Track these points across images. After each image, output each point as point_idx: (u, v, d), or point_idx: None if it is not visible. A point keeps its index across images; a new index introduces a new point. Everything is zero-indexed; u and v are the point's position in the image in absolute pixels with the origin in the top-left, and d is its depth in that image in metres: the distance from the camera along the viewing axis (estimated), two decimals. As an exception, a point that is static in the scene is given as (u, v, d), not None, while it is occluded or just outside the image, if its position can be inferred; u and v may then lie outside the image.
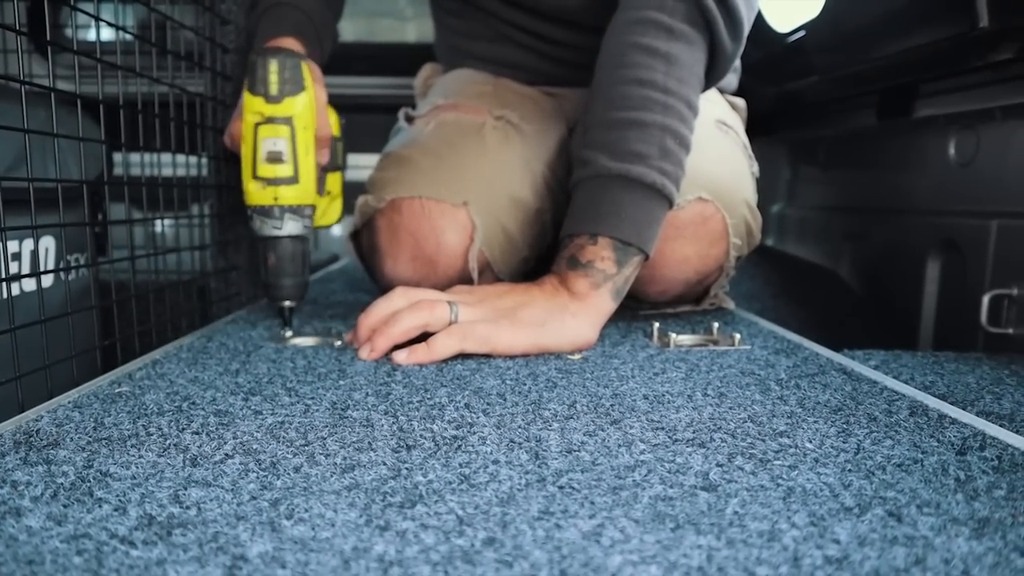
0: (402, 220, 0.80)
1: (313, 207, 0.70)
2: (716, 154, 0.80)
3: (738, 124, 0.93)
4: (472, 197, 0.79)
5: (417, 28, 1.92)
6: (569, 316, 0.63)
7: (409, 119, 0.94)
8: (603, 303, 0.64)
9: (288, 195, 0.67)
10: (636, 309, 0.85)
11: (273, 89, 0.65)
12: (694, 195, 0.74)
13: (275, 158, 0.66)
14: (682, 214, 0.74)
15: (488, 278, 0.84)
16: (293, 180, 0.67)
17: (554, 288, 0.65)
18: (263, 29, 0.76)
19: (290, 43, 0.74)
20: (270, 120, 0.65)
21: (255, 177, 0.66)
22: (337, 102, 0.76)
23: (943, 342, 0.91)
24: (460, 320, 0.61)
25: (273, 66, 0.65)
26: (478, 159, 0.82)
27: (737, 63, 1.01)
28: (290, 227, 0.68)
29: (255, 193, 0.67)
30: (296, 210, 0.68)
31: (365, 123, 1.07)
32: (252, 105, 0.65)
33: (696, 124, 0.69)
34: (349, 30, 1.98)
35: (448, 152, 0.83)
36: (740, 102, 0.99)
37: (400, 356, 0.59)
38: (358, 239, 0.89)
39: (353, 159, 0.92)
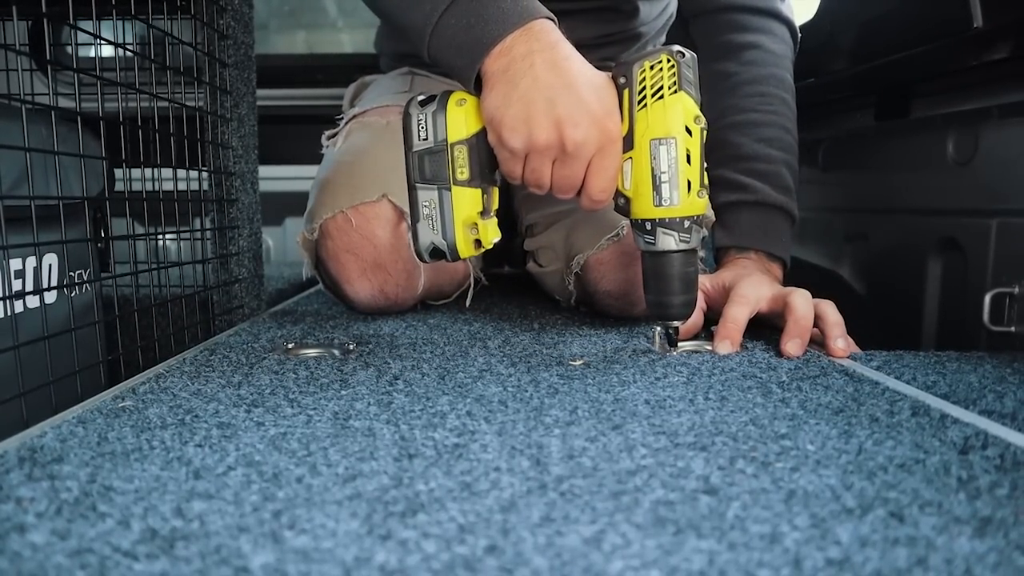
0: (335, 242, 0.80)
1: None
2: None
3: None
4: (391, 188, 0.78)
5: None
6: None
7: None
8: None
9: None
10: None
11: (699, 86, 0.58)
12: None
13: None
14: (630, 241, 0.74)
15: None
16: None
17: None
18: (504, 5, 0.60)
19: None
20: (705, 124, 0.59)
21: (702, 186, 0.59)
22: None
23: (945, 341, 0.91)
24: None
25: (693, 62, 0.58)
26: (388, 153, 0.79)
27: (661, 23, 0.99)
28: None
29: (698, 203, 0.60)
30: None
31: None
32: (689, 110, 0.58)
33: None
34: (350, 42, 1.99)
35: (358, 158, 0.82)
36: None
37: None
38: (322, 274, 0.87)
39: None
